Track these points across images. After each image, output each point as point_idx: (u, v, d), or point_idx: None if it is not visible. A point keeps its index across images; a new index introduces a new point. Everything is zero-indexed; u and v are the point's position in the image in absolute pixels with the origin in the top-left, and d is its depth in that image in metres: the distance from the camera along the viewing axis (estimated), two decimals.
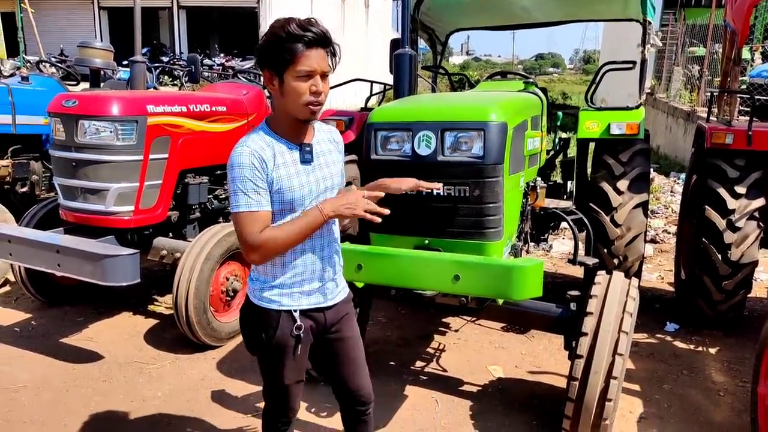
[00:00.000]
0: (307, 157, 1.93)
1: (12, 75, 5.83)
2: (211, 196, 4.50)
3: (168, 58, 14.30)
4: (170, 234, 4.27)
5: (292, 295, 1.98)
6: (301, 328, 1.98)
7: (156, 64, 7.32)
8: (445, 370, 3.70)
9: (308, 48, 1.80)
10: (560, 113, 4.76)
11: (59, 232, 3.99)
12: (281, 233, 1.84)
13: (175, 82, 13.22)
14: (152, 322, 4.33)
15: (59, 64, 6.75)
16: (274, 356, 2.03)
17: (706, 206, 4.05)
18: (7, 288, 4.87)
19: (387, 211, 1.91)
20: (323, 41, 1.83)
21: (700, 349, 4.06)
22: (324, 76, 1.85)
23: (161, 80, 12.69)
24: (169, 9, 16.75)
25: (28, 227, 4.16)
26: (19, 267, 4.20)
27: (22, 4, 7.45)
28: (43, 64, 6.71)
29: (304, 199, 1.91)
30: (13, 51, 10.48)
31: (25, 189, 5.44)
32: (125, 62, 7.44)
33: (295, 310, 1.98)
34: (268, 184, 1.86)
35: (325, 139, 2.04)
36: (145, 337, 4.09)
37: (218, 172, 4.54)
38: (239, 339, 4.00)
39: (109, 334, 4.11)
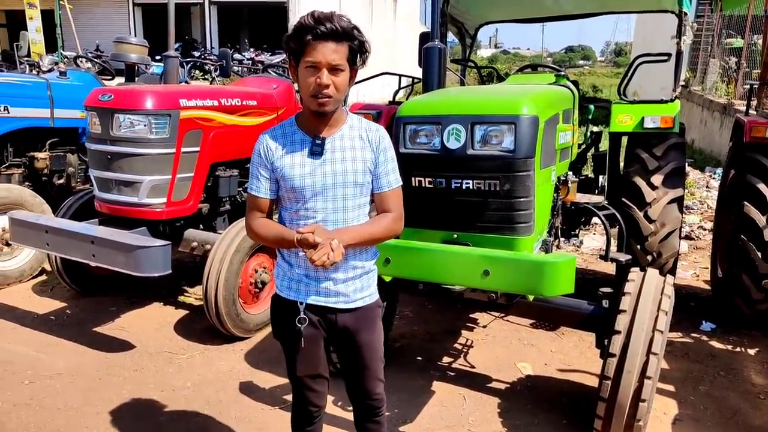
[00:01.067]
0: (316, 150, 1.93)
1: (50, 70, 5.94)
2: (241, 189, 4.54)
3: (199, 53, 14.47)
4: (201, 226, 4.33)
5: (300, 289, 2.01)
6: (304, 321, 2.00)
7: (188, 59, 7.40)
8: (472, 367, 3.67)
9: (316, 40, 1.80)
10: (592, 106, 4.67)
11: (94, 223, 4.07)
12: (267, 231, 1.98)
13: (206, 76, 13.35)
14: (182, 312, 4.40)
15: (95, 60, 6.88)
16: (285, 345, 2.12)
17: (745, 202, 3.93)
18: (44, 277, 5.00)
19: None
20: (336, 35, 1.81)
21: (738, 349, 3.95)
22: (334, 69, 1.83)
23: (193, 75, 12.82)
24: (200, 5, 16.94)
25: (64, 218, 4.26)
26: (55, 257, 4.32)
27: (61, 2, 7.62)
28: (80, 59, 6.84)
29: (305, 190, 1.93)
30: (51, 47, 10.72)
31: (61, 181, 5.57)
32: (158, 57, 7.54)
33: (301, 303, 2.00)
34: (274, 171, 1.97)
35: (355, 135, 1.99)
36: (175, 327, 4.16)
37: (248, 165, 4.56)
38: (267, 330, 4.03)
39: (140, 324, 4.19)
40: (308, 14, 1.85)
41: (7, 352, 3.74)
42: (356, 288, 2.03)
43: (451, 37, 5.28)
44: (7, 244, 4.68)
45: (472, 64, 5.37)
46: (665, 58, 4.14)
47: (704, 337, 4.11)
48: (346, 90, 1.92)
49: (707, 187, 8.44)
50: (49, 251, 3.94)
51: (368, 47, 1.91)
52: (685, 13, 4.03)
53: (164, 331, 4.10)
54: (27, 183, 5.35)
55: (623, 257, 3.46)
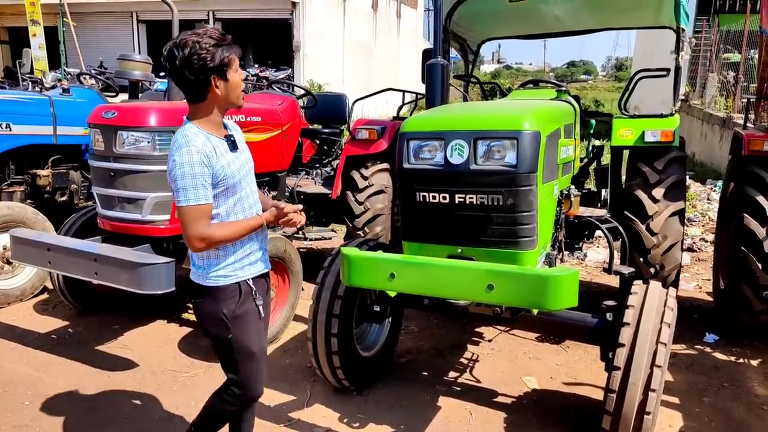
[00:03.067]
0: (234, 146, 2.25)
1: (53, 87, 5.99)
2: None
3: None
4: None
5: (243, 267, 2.28)
6: (256, 292, 2.28)
7: None
8: (478, 381, 3.66)
9: (232, 48, 2.15)
10: (593, 121, 4.71)
11: (97, 240, 4.07)
12: (229, 231, 2.17)
13: None
14: (186, 330, 4.38)
15: (99, 76, 6.93)
16: (241, 327, 2.25)
17: (745, 214, 3.96)
18: (45, 295, 4.97)
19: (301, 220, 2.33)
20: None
21: (741, 361, 3.95)
22: None
23: None
24: (205, 21, 17.04)
25: (67, 236, 4.25)
26: (58, 275, 4.29)
27: (65, 19, 7.68)
28: (84, 76, 6.90)
29: (241, 181, 2.24)
30: (54, 63, 10.79)
31: (64, 198, 5.58)
32: (162, 74, 7.59)
33: (249, 279, 2.28)
34: (215, 175, 2.13)
35: (235, 129, 2.35)
36: (179, 345, 4.14)
37: None
38: (273, 347, 4.02)
39: (143, 342, 4.17)
40: (206, 34, 2.10)
41: (8, 373, 3.71)
42: (268, 252, 2.45)
43: (453, 52, 5.33)
44: (8, 263, 4.64)
45: (475, 80, 5.41)
46: (664, 73, 4.19)
47: (708, 349, 4.11)
48: None
49: (708, 199, 8.47)
50: (52, 269, 3.92)
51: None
52: (683, 30, 4.08)
53: (167, 349, 4.08)
54: (29, 200, 5.34)
55: (626, 270, 3.47)
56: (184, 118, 2.21)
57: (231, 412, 2.42)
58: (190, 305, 4.82)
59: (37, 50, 10.11)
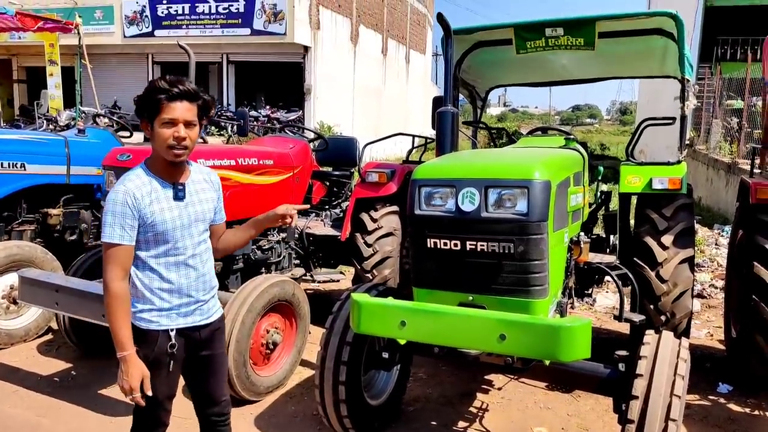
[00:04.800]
0: (180, 195, 2.22)
1: (67, 125, 6.07)
2: (254, 247, 4.56)
3: (216, 110, 14.79)
4: None
5: (170, 316, 2.23)
6: (175, 346, 2.23)
7: None
8: None
9: (171, 100, 2.11)
10: (601, 167, 4.74)
11: None
12: (114, 310, 2.14)
13: (222, 132, 13.62)
14: None
15: (113, 117, 7.04)
16: (152, 372, 2.21)
17: (755, 263, 3.93)
18: (49, 336, 4.88)
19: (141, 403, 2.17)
20: (188, 96, 2.14)
21: (756, 413, 3.86)
22: (188, 124, 2.15)
23: (208, 131, 13.09)
24: (218, 64, 17.43)
25: (76, 276, 4.24)
26: (63, 316, 4.24)
27: (83, 60, 7.91)
28: (99, 117, 7.01)
29: (175, 231, 2.19)
30: (69, 102, 11.03)
31: (74, 237, 5.54)
32: None
33: (172, 330, 2.23)
34: (142, 218, 2.13)
35: (201, 179, 2.33)
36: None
37: None
38: (278, 394, 3.96)
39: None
40: (159, 79, 2.14)
41: (7, 417, 3.64)
42: (213, 303, 2.37)
43: (461, 97, 5.43)
44: (14, 302, 4.58)
45: (483, 125, 5.49)
46: (670, 121, 4.24)
47: (722, 400, 4.03)
48: (196, 141, 2.23)
49: (716, 244, 8.43)
50: (59, 311, 3.89)
51: (211, 104, 2.26)
52: (688, 80, 4.14)
53: None
54: (38, 239, 5.31)
55: (637, 318, 3.44)
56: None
57: None
58: None
59: (53, 89, 10.33)
